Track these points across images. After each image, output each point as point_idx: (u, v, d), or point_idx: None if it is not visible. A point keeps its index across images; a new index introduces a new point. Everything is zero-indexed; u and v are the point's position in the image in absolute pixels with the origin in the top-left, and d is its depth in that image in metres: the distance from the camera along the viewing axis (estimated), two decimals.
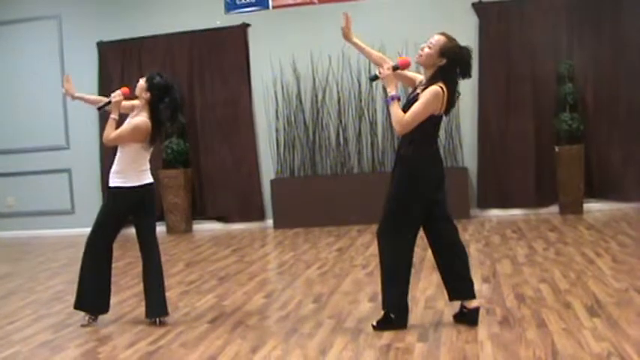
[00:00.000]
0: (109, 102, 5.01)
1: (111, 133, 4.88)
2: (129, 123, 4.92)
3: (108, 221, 4.98)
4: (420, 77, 4.47)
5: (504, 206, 9.28)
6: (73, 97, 5.45)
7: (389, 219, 4.37)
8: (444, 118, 4.40)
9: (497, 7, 9.23)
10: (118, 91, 5.02)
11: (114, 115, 4.92)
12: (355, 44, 4.86)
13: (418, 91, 4.34)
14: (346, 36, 4.84)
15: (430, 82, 4.27)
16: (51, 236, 10.31)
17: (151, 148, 5.01)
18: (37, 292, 6.44)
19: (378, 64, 4.59)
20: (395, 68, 4.36)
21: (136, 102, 5.05)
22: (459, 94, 4.41)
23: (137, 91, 4.96)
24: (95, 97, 5.68)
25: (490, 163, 9.27)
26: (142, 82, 4.95)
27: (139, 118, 4.90)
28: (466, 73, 4.31)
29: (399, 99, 4.27)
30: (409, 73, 4.61)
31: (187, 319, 5.04)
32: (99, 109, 5.26)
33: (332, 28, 9.53)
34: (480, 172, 9.32)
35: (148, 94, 4.91)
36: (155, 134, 4.95)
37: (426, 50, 4.26)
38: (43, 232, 10.49)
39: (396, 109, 4.24)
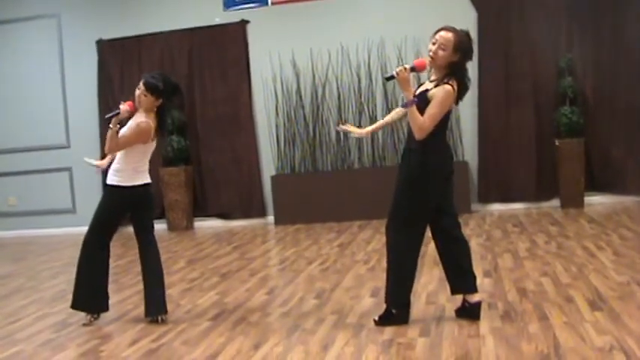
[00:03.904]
0: (118, 113, 4.85)
1: (115, 142, 4.78)
2: (132, 127, 4.85)
3: (103, 219, 4.96)
4: None
5: (505, 200, 9.29)
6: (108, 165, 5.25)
7: (398, 213, 4.35)
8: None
9: (496, 2, 9.21)
10: (127, 107, 4.87)
11: (114, 127, 4.79)
12: (376, 129, 4.95)
13: (428, 87, 4.27)
14: (364, 134, 4.91)
15: (442, 79, 4.21)
16: (53, 235, 10.33)
17: (154, 145, 4.99)
18: (40, 291, 6.45)
19: (396, 119, 4.68)
20: (412, 69, 4.24)
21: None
22: (470, 79, 4.35)
23: (145, 105, 4.86)
24: (108, 158, 5.21)
25: (491, 158, 9.27)
26: (148, 96, 4.84)
27: (142, 121, 4.85)
28: (471, 58, 4.29)
29: (416, 103, 4.18)
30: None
31: (189, 317, 5.04)
32: (107, 118, 5.14)
33: (331, 23, 9.61)
34: (481, 166, 9.32)
35: (160, 100, 4.89)
36: (161, 130, 4.98)
37: (440, 53, 4.18)
38: (45, 231, 10.51)
39: (416, 114, 4.14)
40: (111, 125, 4.80)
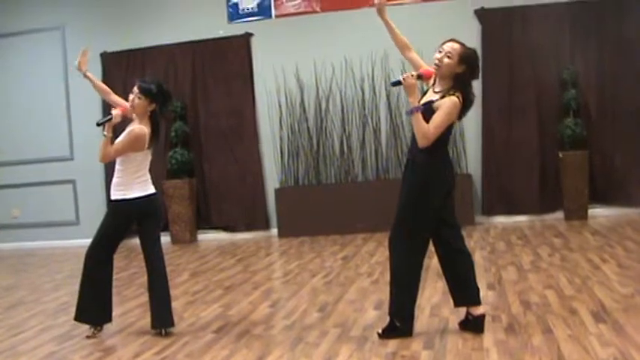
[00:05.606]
0: (110, 119, 4.91)
1: (109, 150, 4.83)
2: (127, 133, 4.89)
3: (108, 234, 4.96)
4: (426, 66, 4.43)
5: (509, 213, 9.27)
6: (85, 74, 5.37)
7: (402, 225, 4.35)
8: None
9: (499, 14, 9.23)
10: (119, 112, 4.95)
11: (108, 134, 4.82)
12: (387, 22, 4.73)
13: (433, 98, 4.28)
14: (380, 12, 4.67)
15: (448, 91, 4.22)
16: (56, 247, 10.32)
17: (150, 154, 5.00)
18: (42, 303, 6.44)
19: (400, 48, 4.63)
20: (419, 77, 4.30)
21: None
22: (474, 95, 4.38)
23: (139, 109, 4.89)
24: (102, 84, 5.59)
25: (494, 170, 9.27)
26: (142, 99, 4.87)
27: (136, 127, 4.88)
28: (477, 76, 4.31)
29: (422, 110, 4.19)
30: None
31: (193, 329, 5.04)
32: (98, 124, 5.15)
33: (335, 36, 9.63)
34: (485, 178, 9.32)
35: (154, 105, 4.92)
36: (155, 137, 4.95)
37: (446, 60, 4.21)
38: (48, 243, 10.51)
39: (421, 122, 4.16)
40: (104, 132, 4.83)
